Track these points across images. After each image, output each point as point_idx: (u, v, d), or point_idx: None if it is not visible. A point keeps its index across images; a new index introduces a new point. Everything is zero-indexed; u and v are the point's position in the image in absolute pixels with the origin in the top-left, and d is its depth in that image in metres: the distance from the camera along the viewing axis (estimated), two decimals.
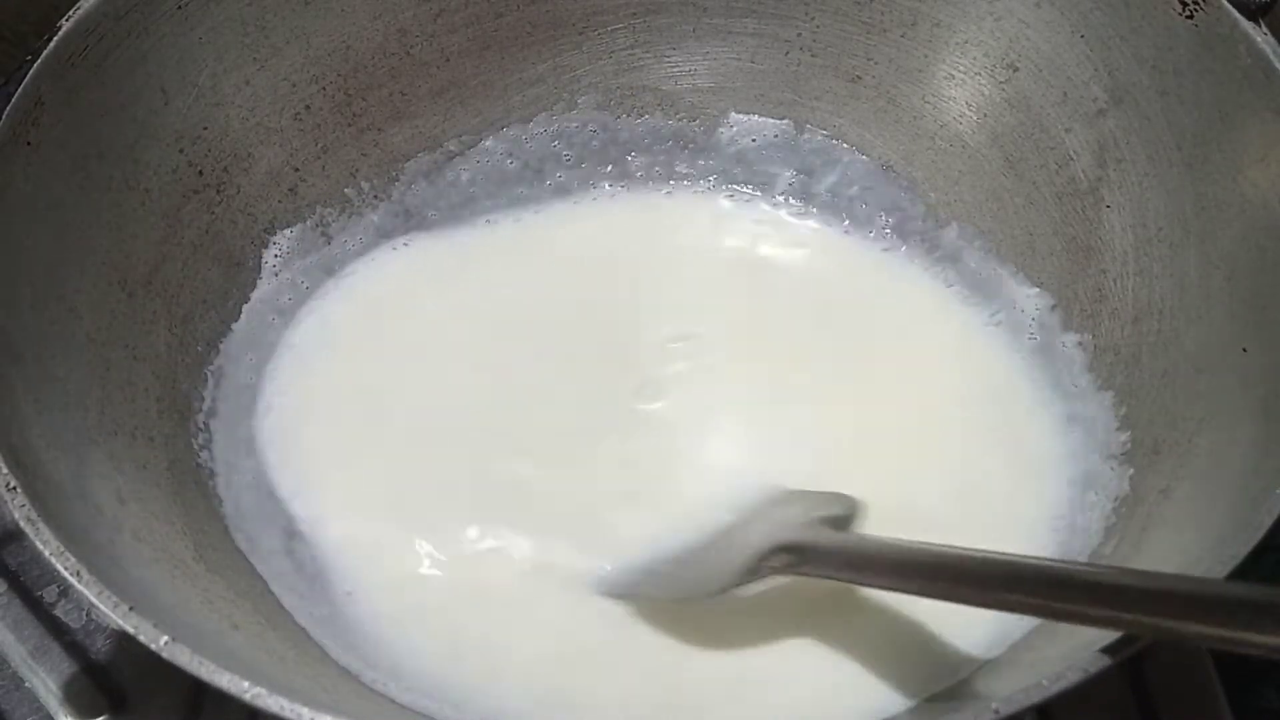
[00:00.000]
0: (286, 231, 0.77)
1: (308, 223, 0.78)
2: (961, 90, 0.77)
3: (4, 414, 0.54)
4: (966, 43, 0.75)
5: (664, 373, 0.75)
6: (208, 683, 0.47)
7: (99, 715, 0.68)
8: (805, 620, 0.65)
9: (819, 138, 0.82)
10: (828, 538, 0.60)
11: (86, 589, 0.49)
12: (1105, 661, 0.48)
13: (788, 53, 0.80)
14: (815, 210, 0.83)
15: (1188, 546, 0.56)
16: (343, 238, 0.80)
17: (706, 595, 0.62)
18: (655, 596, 0.65)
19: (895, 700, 0.61)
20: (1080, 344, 0.72)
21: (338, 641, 0.63)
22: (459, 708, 0.62)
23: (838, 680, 0.63)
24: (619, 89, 0.83)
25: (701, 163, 0.85)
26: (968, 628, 0.63)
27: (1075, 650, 0.51)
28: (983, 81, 0.76)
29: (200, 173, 0.72)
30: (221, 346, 0.72)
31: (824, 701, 0.62)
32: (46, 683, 0.69)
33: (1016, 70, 0.74)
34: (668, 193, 0.84)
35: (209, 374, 0.71)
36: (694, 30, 0.81)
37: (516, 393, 0.74)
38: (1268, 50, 0.62)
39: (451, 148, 0.82)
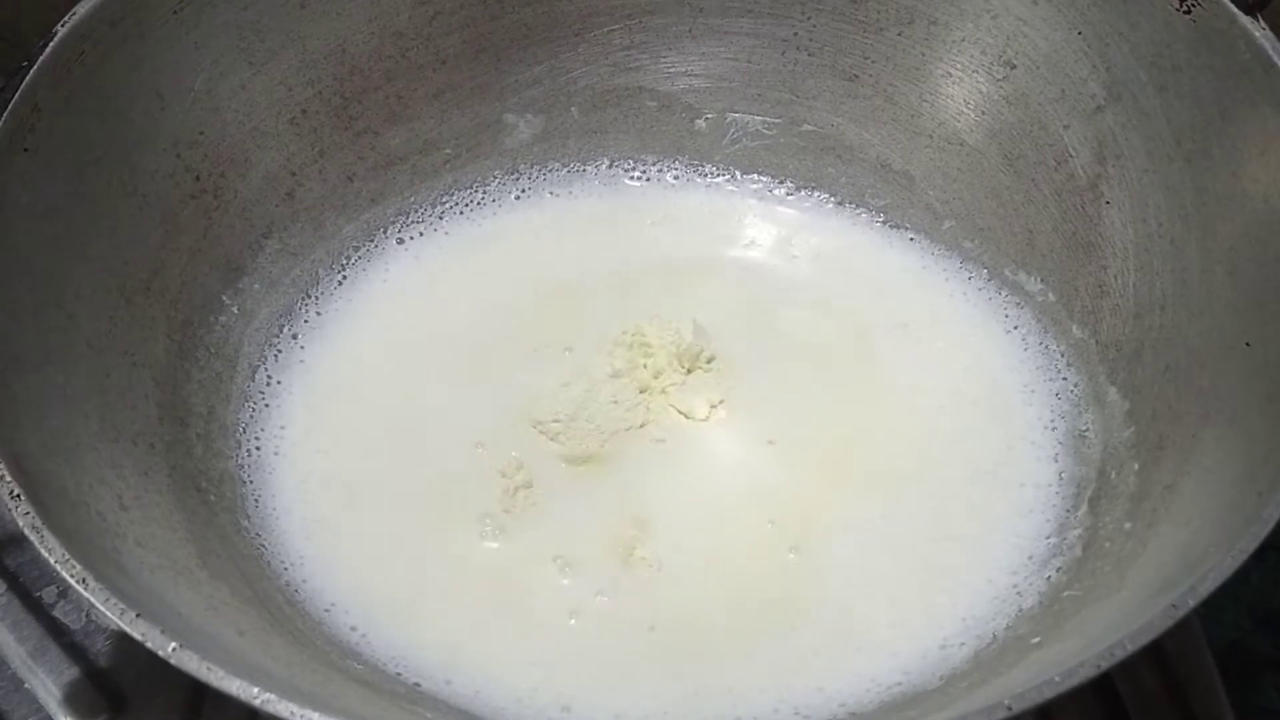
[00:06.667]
0: (284, 235, 0.77)
1: (306, 226, 0.78)
2: (959, 88, 0.77)
3: (6, 421, 0.54)
4: (964, 40, 0.75)
5: (664, 372, 0.75)
6: (216, 689, 0.47)
7: (98, 716, 0.68)
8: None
9: (816, 137, 0.82)
10: None
11: (92, 596, 0.48)
12: (1115, 658, 0.48)
13: (784, 52, 0.80)
14: (812, 209, 0.84)
15: (1193, 542, 0.56)
16: (341, 240, 0.80)
17: None
18: None
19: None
20: (1082, 339, 0.73)
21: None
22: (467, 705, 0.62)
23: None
24: (615, 90, 0.83)
25: (699, 163, 0.85)
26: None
27: (1084, 647, 0.51)
28: (980, 79, 0.76)
29: (197, 177, 0.71)
30: (221, 352, 0.72)
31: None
32: (46, 684, 0.68)
33: (1014, 68, 0.74)
34: (666, 193, 0.85)
35: (209, 380, 0.71)
36: (690, 30, 0.81)
37: (520, 397, 0.74)
38: (1266, 45, 0.62)
39: (448, 150, 0.82)
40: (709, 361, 0.75)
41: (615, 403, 0.73)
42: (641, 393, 0.74)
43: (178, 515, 0.62)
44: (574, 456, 0.71)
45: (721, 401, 0.74)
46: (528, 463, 0.71)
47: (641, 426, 0.73)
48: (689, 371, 0.75)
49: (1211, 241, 0.65)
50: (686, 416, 0.73)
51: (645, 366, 0.74)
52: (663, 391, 0.74)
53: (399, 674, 0.63)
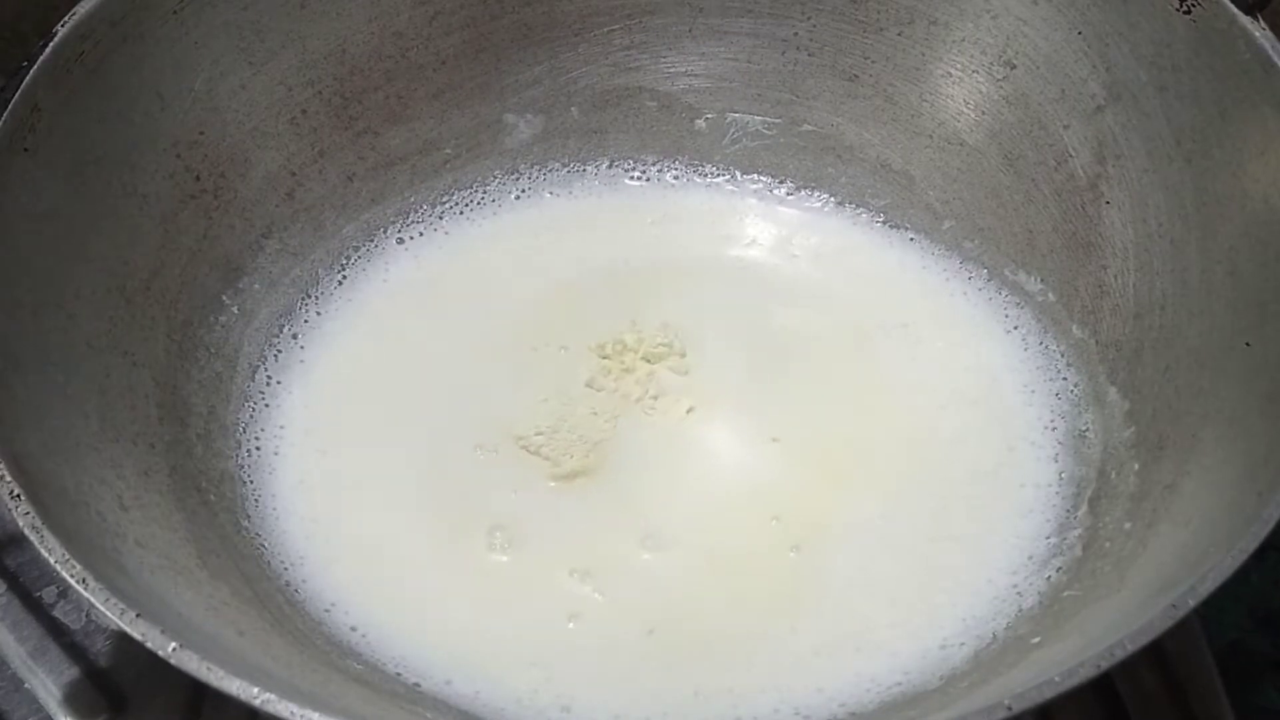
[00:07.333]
0: (284, 235, 0.77)
1: (306, 226, 0.78)
2: (959, 88, 0.77)
3: (6, 421, 0.54)
4: (964, 40, 0.75)
5: (662, 373, 0.75)
6: (216, 689, 0.47)
7: (98, 716, 0.67)
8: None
9: (816, 137, 0.82)
10: None
11: (92, 596, 0.48)
12: (1115, 658, 0.48)
13: (784, 52, 0.80)
14: (812, 209, 0.84)
15: (1193, 542, 0.56)
16: (341, 240, 0.80)
17: None
18: None
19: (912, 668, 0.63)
20: (1082, 339, 0.73)
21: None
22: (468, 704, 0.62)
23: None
24: (615, 90, 0.83)
25: (699, 163, 0.85)
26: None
27: (1084, 647, 0.51)
28: (980, 79, 0.76)
29: (197, 178, 0.71)
30: (221, 352, 0.72)
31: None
32: (46, 684, 0.68)
33: (1014, 67, 0.74)
34: (666, 193, 0.85)
35: (209, 380, 0.71)
36: (690, 31, 0.81)
37: (519, 395, 0.74)
38: (1266, 45, 0.62)
39: (448, 150, 0.82)
40: (680, 359, 0.76)
41: (594, 414, 0.73)
42: (614, 389, 0.74)
43: (178, 515, 0.62)
44: (564, 468, 0.71)
45: (691, 409, 0.74)
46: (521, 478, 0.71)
47: (624, 432, 0.73)
48: (678, 365, 0.75)
49: (1211, 241, 0.65)
50: (664, 417, 0.73)
51: (626, 370, 0.75)
52: (638, 400, 0.74)
53: (399, 674, 0.63)
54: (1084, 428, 0.71)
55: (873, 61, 0.79)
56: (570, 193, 0.84)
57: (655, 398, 0.74)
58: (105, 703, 0.68)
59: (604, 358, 0.75)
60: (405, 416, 0.74)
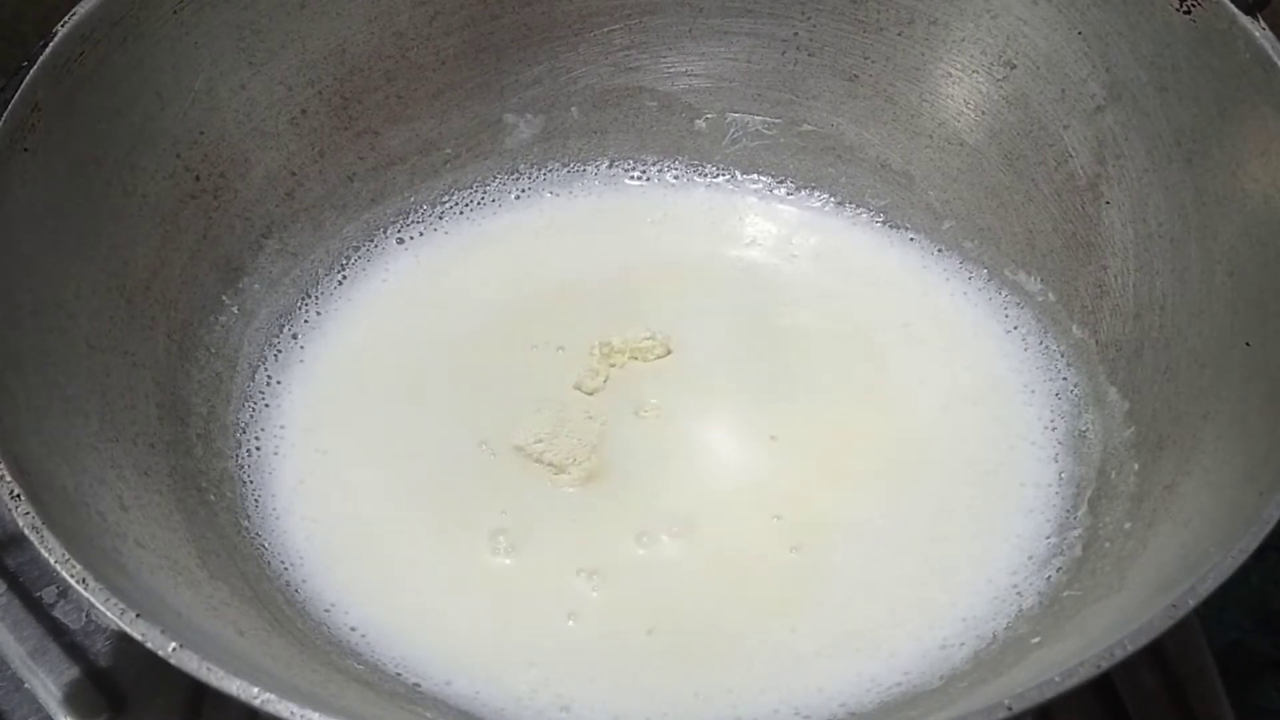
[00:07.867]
0: (284, 235, 0.77)
1: (306, 226, 0.78)
2: (959, 88, 0.77)
3: (6, 421, 0.54)
4: (964, 40, 0.75)
5: (661, 374, 0.76)
6: (216, 689, 0.47)
7: (98, 716, 0.68)
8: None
9: (816, 137, 0.82)
10: None
11: (92, 596, 0.48)
12: (1115, 658, 0.48)
13: (784, 52, 0.80)
14: (813, 209, 0.84)
15: (1193, 542, 0.56)
16: (341, 240, 0.80)
17: None
18: None
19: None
20: (1082, 339, 0.73)
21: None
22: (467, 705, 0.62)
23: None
24: (615, 90, 0.83)
25: (699, 163, 0.85)
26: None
27: (1084, 647, 0.51)
28: (980, 79, 0.76)
29: (197, 178, 0.71)
30: (221, 352, 0.72)
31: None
32: (46, 684, 0.69)
33: (1014, 68, 0.74)
34: (666, 193, 0.85)
35: (209, 380, 0.71)
36: (690, 31, 0.81)
37: (518, 396, 0.74)
38: (1266, 45, 0.62)
39: (448, 150, 0.82)
40: (672, 359, 0.76)
41: (590, 418, 0.73)
42: (610, 391, 0.74)
43: (178, 515, 0.62)
44: (564, 472, 0.71)
45: (689, 409, 0.74)
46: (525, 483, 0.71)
47: (622, 433, 0.73)
48: (660, 358, 0.76)
49: (1211, 241, 0.65)
50: (662, 419, 0.74)
51: (613, 367, 0.75)
52: (634, 401, 0.74)
53: (399, 674, 0.63)
54: (1084, 428, 0.71)
55: (873, 61, 0.79)
56: (570, 193, 0.84)
57: (653, 399, 0.74)
58: (105, 703, 0.68)
59: (591, 355, 0.75)
60: (405, 416, 0.74)
